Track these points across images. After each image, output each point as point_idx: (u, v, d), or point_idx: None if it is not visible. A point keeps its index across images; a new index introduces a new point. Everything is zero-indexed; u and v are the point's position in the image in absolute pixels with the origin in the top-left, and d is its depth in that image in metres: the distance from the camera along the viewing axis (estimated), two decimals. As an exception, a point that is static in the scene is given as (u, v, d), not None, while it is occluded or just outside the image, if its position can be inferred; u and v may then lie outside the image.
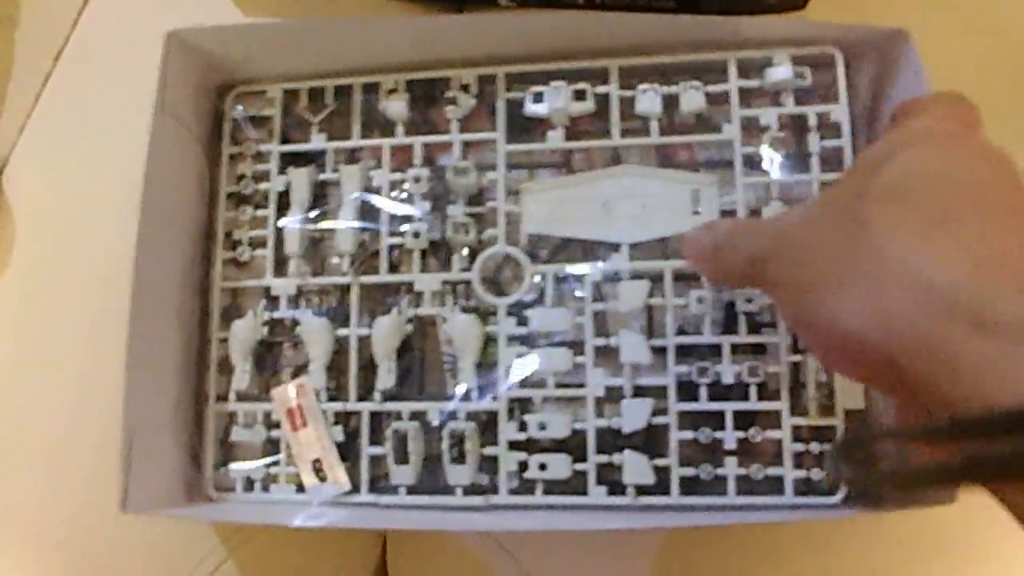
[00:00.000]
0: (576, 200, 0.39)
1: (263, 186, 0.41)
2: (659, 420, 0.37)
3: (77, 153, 0.46)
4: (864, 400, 0.36)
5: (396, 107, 0.40)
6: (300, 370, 0.40)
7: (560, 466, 0.37)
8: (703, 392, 0.37)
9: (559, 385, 0.38)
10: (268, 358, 0.41)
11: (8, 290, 0.47)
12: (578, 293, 0.38)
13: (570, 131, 0.40)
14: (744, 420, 0.37)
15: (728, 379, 0.37)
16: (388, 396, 0.39)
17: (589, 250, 0.40)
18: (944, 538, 0.39)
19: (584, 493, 0.37)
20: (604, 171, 0.39)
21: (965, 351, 0.21)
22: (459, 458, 0.37)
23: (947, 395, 0.21)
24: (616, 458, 0.37)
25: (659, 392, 0.37)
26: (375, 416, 0.39)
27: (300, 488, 0.39)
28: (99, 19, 0.50)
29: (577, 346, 0.38)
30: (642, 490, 0.37)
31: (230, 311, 0.41)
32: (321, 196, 0.41)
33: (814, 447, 0.36)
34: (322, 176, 0.41)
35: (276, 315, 0.40)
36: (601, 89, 0.39)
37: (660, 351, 0.37)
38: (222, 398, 0.40)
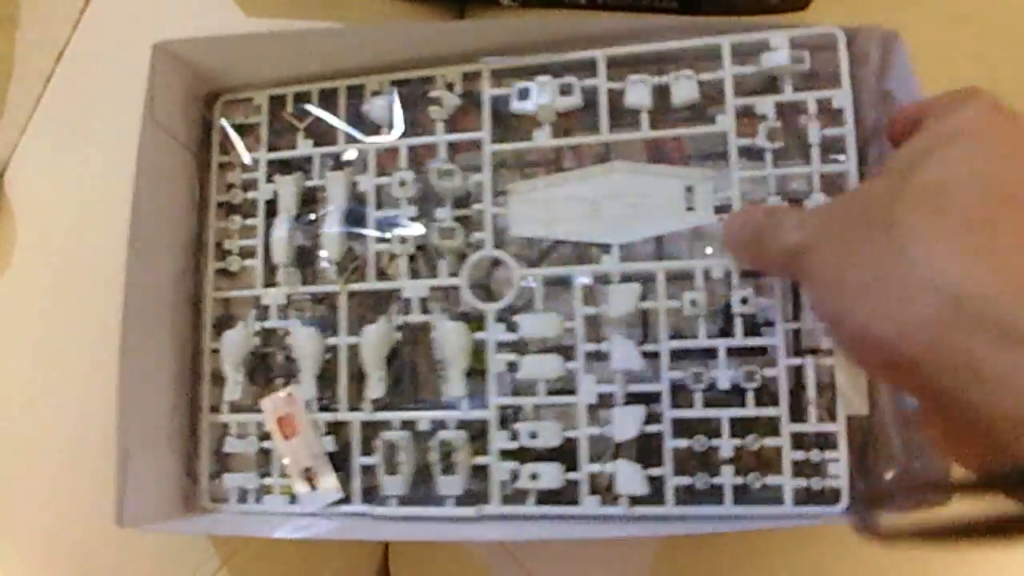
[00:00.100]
0: (564, 200, 0.38)
1: (251, 195, 0.41)
2: (653, 428, 0.36)
3: (78, 154, 0.46)
4: (868, 406, 0.34)
5: (380, 109, 0.39)
6: (292, 380, 0.40)
7: (552, 475, 0.36)
8: (698, 398, 0.36)
9: (550, 392, 0.37)
10: (261, 368, 0.41)
11: (9, 291, 0.47)
12: (569, 297, 0.37)
13: (559, 128, 0.38)
14: (741, 427, 0.35)
15: (724, 384, 0.35)
16: (380, 405, 0.39)
17: (580, 252, 0.38)
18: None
19: (577, 503, 0.36)
20: (592, 169, 0.38)
21: (990, 362, 0.21)
22: (449, 468, 0.37)
23: (971, 405, 0.22)
24: (609, 467, 0.36)
25: (653, 399, 0.36)
26: (366, 425, 0.38)
27: (293, 499, 0.39)
28: (100, 20, 0.50)
29: (568, 352, 0.37)
30: (636, 500, 0.35)
31: (222, 321, 0.41)
32: (309, 203, 0.41)
33: (815, 455, 0.34)
34: (309, 183, 0.40)
35: (267, 325, 0.40)
36: (589, 82, 0.38)
37: (654, 356, 0.36)
38: (216, 409, 0.40)
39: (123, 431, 0.36)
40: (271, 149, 0.41)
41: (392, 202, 0.39)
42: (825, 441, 0.34)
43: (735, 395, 0.35)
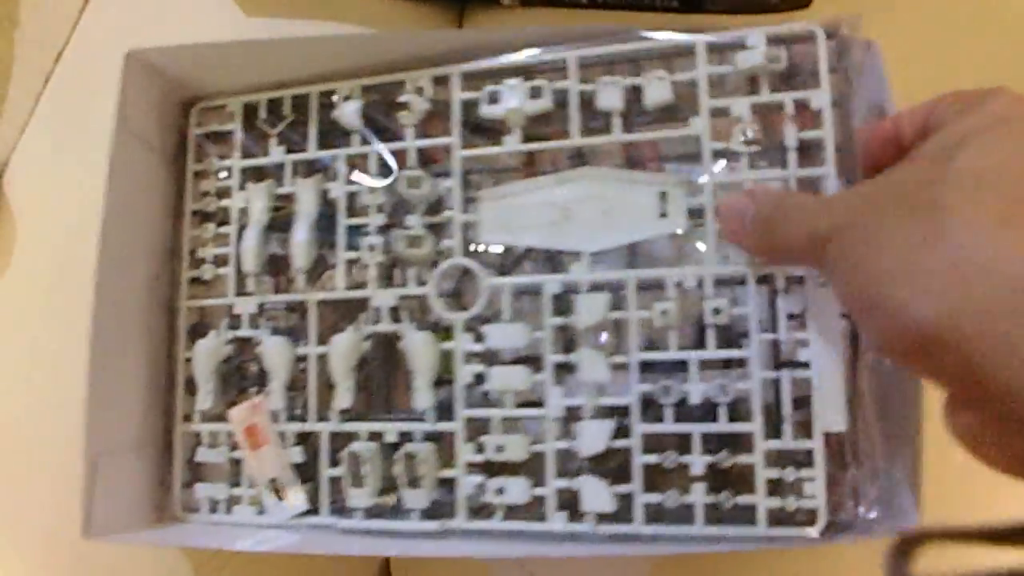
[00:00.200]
0: (534, 207, 0.37)
1: (225, 203, 0.41)
2: (621, 443, 0.34)
3: (77, 154, 0.46)
4: (847, 422, 0.32)
5: (349, 115, 0.39)
6: (263, 390, 0.39)
7: (518, 490, 0.35)
8: (668, 413, 0.34)
9: (520, 404, 0.36)
10: (234, 378, 0.40)
11: (8, 291, 0.47)
12: (539, 307, 0.36)
13: (531, 132, 0.37)
14: (713, 443, 0.34)
15: (695, 398, 0.34)
16: (349, 416, 0.38)
17: (552, 260, 0.37)
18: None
19: (544, 519, 0.35)
20: (562, 174, 0.37)
21: None
22: (415, 481, 0.36)
23: (1020, 394, 0.21)
24: (576, 483, 0.34)
25: (622, 412, 0.35)
26: (335, 436, 0.38)
27: (262, 510, 0.38)
28: (99, 20, 0.50)
29: (537, 363, 0.36)
30: (604, 518, 0.34)
31: (197, 330, 0.41)
32: (281, 211, 0.40)
33: (790, 473, 0.33)
34: (280, 190, 0.40)
35: (239, 334, 0.40)
36: (560, 84, 0.37)
37: (624, 368, 0.35)
38: (189, 418, 0.40)
39: (91, 439, 0.36)
40: (247, 156, 0.41)
41: (364, 210, 0.39)
42: (801, 459, 0.33)
43: (707, 410, 0.34)
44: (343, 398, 0.37)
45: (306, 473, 0.38)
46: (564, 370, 0.35)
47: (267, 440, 0.38)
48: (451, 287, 0.38)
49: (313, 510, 0.37)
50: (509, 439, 0.35)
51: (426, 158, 0.39)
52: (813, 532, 0.32)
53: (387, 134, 0.39)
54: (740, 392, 0.33)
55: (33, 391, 0.45)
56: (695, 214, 0.35)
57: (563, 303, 0.36)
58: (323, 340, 0.38)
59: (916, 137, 0.30)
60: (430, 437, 0.37)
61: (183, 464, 0.40)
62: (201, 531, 0.38)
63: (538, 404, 0.35)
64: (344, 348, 0.37)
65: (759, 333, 0.33)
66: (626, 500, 0.34)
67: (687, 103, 0.36)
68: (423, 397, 0.37)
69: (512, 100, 0.36)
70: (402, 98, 0.38)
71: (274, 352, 0.38)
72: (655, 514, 0.34)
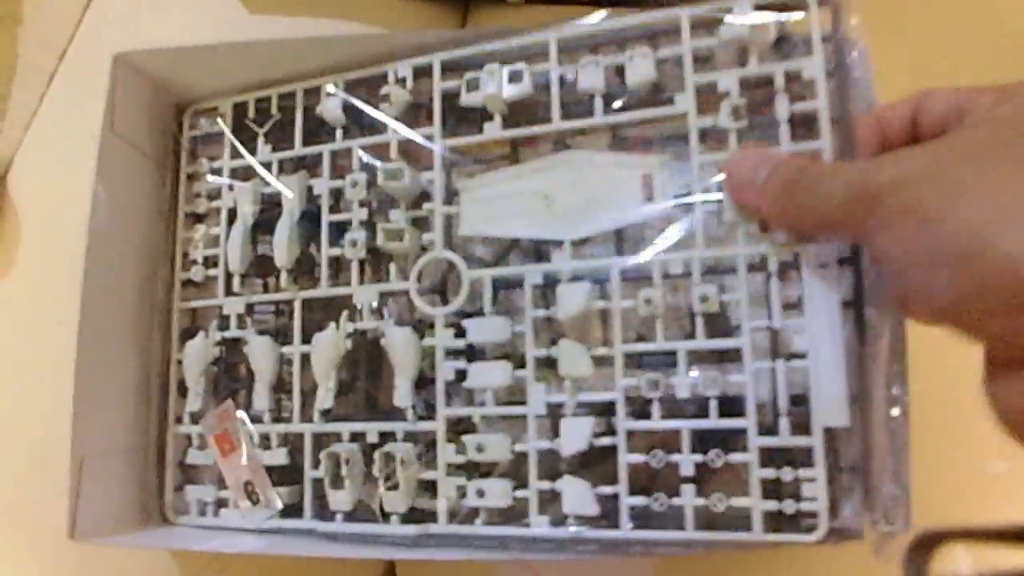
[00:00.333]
0: (515, 195, 0.35)
1: (216, 203, 0.40)
2: (605, 441, 0.32)
3: (81, 153, 0.45)
4: (849, 417, 0.29)
5: (332, 110, 0.38)
6: (251, 390, 0.38)
7: (499, 493, 0.33)
8: (655, 408, 0.32)
9: (502, 402, 0.34)
10: (223, 379, 0.40)
11: (13, 290, 0.47)
12: (521, 299, 0.34)
13: (513, 119, 0.36)
14: (704, 441, 0.31)
15: (683, 393, 0.31)
16: (334, 416, 0.37)
17: (537, 250, 0.36)
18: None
19: (527, 523, 0.33)
20: (543, 160, 0.35)
21: None
22: (394, 483, 0.34)
23: None
24: (558, 484, 0.32)
25: (606, 409, 0.32)
26: (319, 438, 0.37)
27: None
28: (102, 18, 0.50)
29: (520, 358, 0.34)
30: (589, 521, 0.32)
31: (190, 332, 0.40)
32: (269, 209, 0.40)
33: (787, 473, 0.30)
34: (266, 189, 0.39)
35: (227, 335, 0.39)
36: (539, 67, 0.35)
37: (608, 362, 0.33)
38: (180, 420, 0.40)
39: (77, 441, 0.36)
40: (236, 157, 0.40)
41: (348, 205, 0.38)
42: (799, 458, 0.30)
43: (697, 405, 0.31)
44: (324, 398, 0.36)
45: (292, 475, 0.37)
46: (547, 365, 0.34)
47: (237, 446, 0.37)
48: (435, 282, 0.37)
49: (297, 512, 0.36)
50: (490, 439, 0.34)
51: (412, 151, 0.38)
52: (812, 539, 0.29)
53: (373, 128, 0.38)
54: (732, 385, 0.31)
55: (36, 390, 0.45)
56: (683, 196, 0.33)
57: (547, 295, 0.34)
58: (306, 339, 0.37)
59: (904, 130, 0.29)
60: (411, 437, 0.35)
61: (174, 466, 0.39)
62: (192, 533, 0.38)
63: (521, 402, 0.34)
64: (325, 347, 0.37)
65: (752, 321, 0.31)
66: (611, 502, 0.32)
67: (673, 81, 0.34)
68: (404, 395, 0.35)
69: (491, 86, 0.35)
70: (384, 90, 0.37)
71: (259, 352, 0.38)
72: (642, 517, 0.31)
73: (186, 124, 0.42)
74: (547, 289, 0.34)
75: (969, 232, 0.22)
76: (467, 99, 0.36)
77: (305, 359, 0.37)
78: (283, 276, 0.38)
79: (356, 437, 0.36)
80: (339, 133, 0.38)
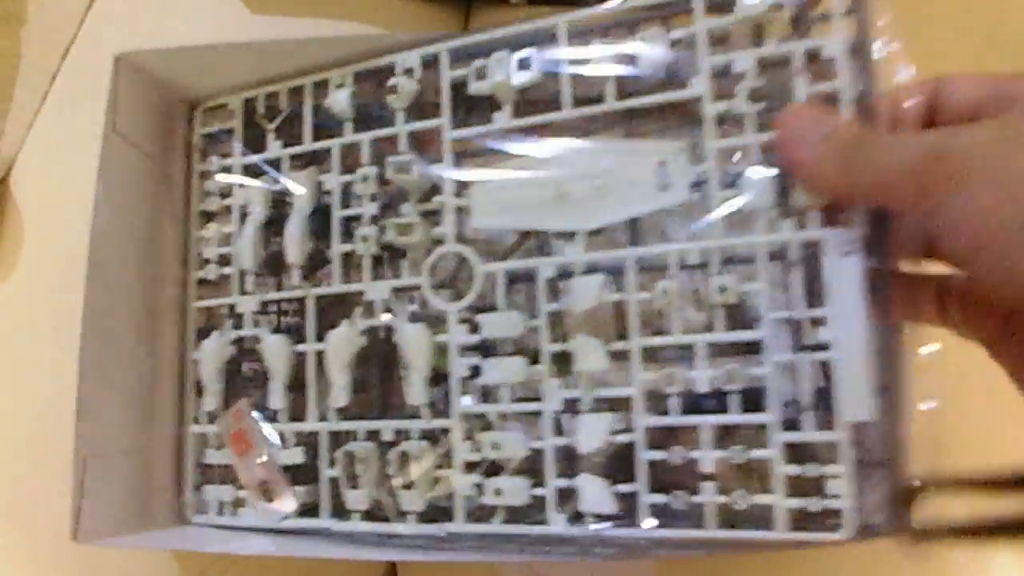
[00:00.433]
0: (526, 186, 0.34)
1: (228, 201, 0.40)
2: (623, 438, 0.31)
3: (84, 153, 0.45)
4: (874, 410, 0.28)
5: (341, 103, 0.37)
6: (266, 390, 0.38)
7: (517, 491, 0.33)
8: (674, 403, 0.31)
9: (516, 399, 0.34)
10: (238, 378, 0.39)
11: (15, 290, 0.47)
12: (535, 293, 0.34)
13: (523, 107, 0.35)
14: (725, 437, 0.30)
15: (703, 387, 0.30)
16: (348, 414, 0.36)
17: (548, 242, 0.35)
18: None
19: (545, 521, 0.32)
20: (556, 148, 0.34)
21: None
22: (410, 482, 0.34)
23: None
24: (576, 482, 0.32)
25: (623, 405, 0.32)
26: (335, 436, 0.36)
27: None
28: (105, 18, 0.50)
29: (535, 354, 0.33)
30: (608, 519, 0.31)
31: (206, 330, 0.40)
32: (280, 206, 0.39)
33: (812, 469, 0.29)
34: (277, 186, 0.39)
35: (242, 333, 0.39)
36: (549, 54, 0.34)
37: (625, 356, 0.32)
38: (197, 420, 0.39)
39: (80, 442, 0.36)
40: (247, 153, 0.40)
41: (359, 200, 0.37)
42: (824, 453, 0.29)
43: (717, 400, 0.30)
44: (339, 396, 0.36)
45: (308, 474, 0.37)
46: (563, 360, 0.33)
47: (252, 445, 0.37)
48: (447, 276, 0.36)
49: (314, 511, 0.36)
50: (506, 436, 0.33)
51: (420, 144, 0.37)
52: (839, 537, 0.28)
53: (381, 121, 0.37)
54: (753, 379, 0.30)
55: (40, 389, 0.45)
56: (699, 184, 0.32)
57: (557, 288, 0.33)
58: (320, 337, 0.37)
59: (919, 115, 0.28)
60: (426, 435, 0.35)
61: (192, 466, 0.39)
62: (198, 534, 0.38)
63: (537, 398, 0.33)
64: (339, 344, 0.36)
65: (772, 312, 0.30)
66: (629, 501, 0.31)
67: (687, 64, 0.32)
68: (418, 393, 0.35)
69: (499, 73, 0.34)
70: (391, 81, 0.36)
71: (274, 351, 0.37)
72: (662, 515, 0.31)
73: (197, 122, 0.41)
74: (560, 282, 0.33)
75: None
76: (476, 88, 0.35)
77: (319, 357, 0.37)
78: (295, 273, 0.37)
79: (372, 435, 0.36)
80: (348, 127, 0.38)
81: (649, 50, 0.32)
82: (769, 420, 0.29)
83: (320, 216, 0.38)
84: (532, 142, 0.34)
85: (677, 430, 0.31)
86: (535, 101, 0.35)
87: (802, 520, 0.29)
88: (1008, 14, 0.39)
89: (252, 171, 0.40)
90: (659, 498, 0.30)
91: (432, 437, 0.35)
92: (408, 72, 0.37)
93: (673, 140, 0.33)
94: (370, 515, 0.35)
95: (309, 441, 0.37)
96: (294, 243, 0.37)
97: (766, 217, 0.30)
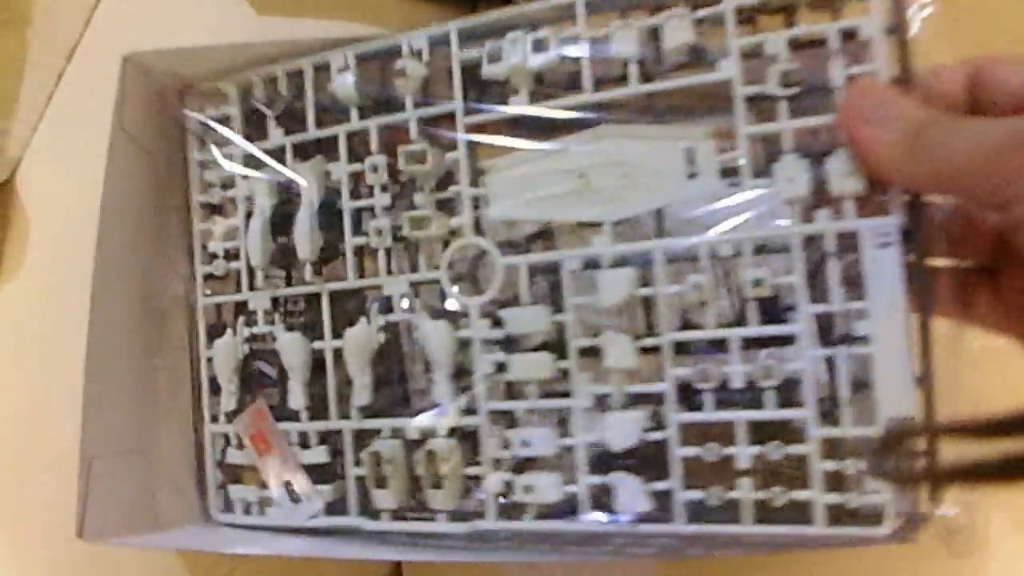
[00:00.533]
0: (548, 174, 0.33)
1: (230, 192, 0.39)
2: (656, 435, 0.31)
3: (90, 152, 0.45)
4: (915, 404, 0.28)
5: (345, 87, 0.35)
6: (284, 388, 0.37)
7: (548, 488, 0.32)
8: (708, 399, 0.30)
9: (543, 395, 0.33)
10: (254, 377, 0.39)
11: (22, 290, 0.47)
12: (559, 286, 0.33)
13: (540, 91, 0.33)
14: (760, 432, 0.30)
15: (738, 382, 0.30)
16: (370, 412, 0.36)
17: (572, 233, 0.33)
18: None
19: (577, 518, 0.32)
20: (576, 136, 0.32)
21: None
22: (438, 480, 0.34)
23: None
24: (609, 479, 0.31)
25: (656, 400, 0.31)
26: (358, 434, 0.36)
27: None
28: (111, 18, 0.49)
29: (561, 349, 0.32)
30: (642, 516, 0.31)
31: (217, 328, 0.39)
32: (286, 197, 0.38)
33: (850, 465, 0.28)
34: (281, 177, 0.37)
35: (255, 331, 0.38)
36: (568, 34, 0.32)
37: (655, 351, 0.31)
38: (216, 419, 0.39)
39: (86, 441, 0.36)
40: (249, 141, 0.38)
41: (369, 191, 0.36)
42: (862, 448, 0.29)
43: (752, 395, 0.30)
44: (360, 395, 0.35)
45: (333, 473, 0.36)
46: (591, 355, 0.32)
47: (274, 445, 0.36)
48: (465, 269, 0.35)
49: (341, 510, 0.36)
50: (536, 433, 0.32)
51: (433, 129, 0.35)
52: (881, 532, 0.28)
53: (388, 106, 0.36)
54: (789, 374, 0.29)
55: (45, 389, 0.45)
56: (729, 171, 0.30)
57: (586, 281, 0.32)
58: (339, 333, 0.36)
59: (957, 98, 0.27)
60: (452, 433, 0.34)
61: (214, 466, 0.39)
62: (220, 535, 0.38)
63: (565, 394, 0.32)
64: (357, 341, 0.35)
65: (809, 305, 0.29)
66: (664, 498, 0.31)
67: (714, 45, 0.31)
68: (443, 390, 0.34)
69: (515, 55, 0.33)
70: (398, 64, 0.35)
71: (290, 349, 0.36)
72: (697, 513, 0.30)
73: (191, 108, 0.39)
74: (585, 274, 0.32)
75: None
76: (489, 71, 0.33)
77: (337, 354, 0.36)
78: (307, 269, 0.36)
79: (396, 433, 0.35)
80: (354, 113, 0.36)
81: (673, 29, 0.31)
82: (806, 415, 0.29)
83: (329, 208, 0.36)
84: (551, 128, 0.33)
85: (706, 426, 0.31)
86: (552, 84, 0.33)
87: (841, 516, 0.29)
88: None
89: (253, 161, 0.38)
90: (694, 495, 0.30)
91: (458, 435, 0.34)
92: (416, 54, 0.35)
93: (700, 125, 0.31)
94: (399, 513, 0.35)
95: (331, 440, 0.36)
96: (304, 237, 0.36)
97: (801, 206, 0.29)
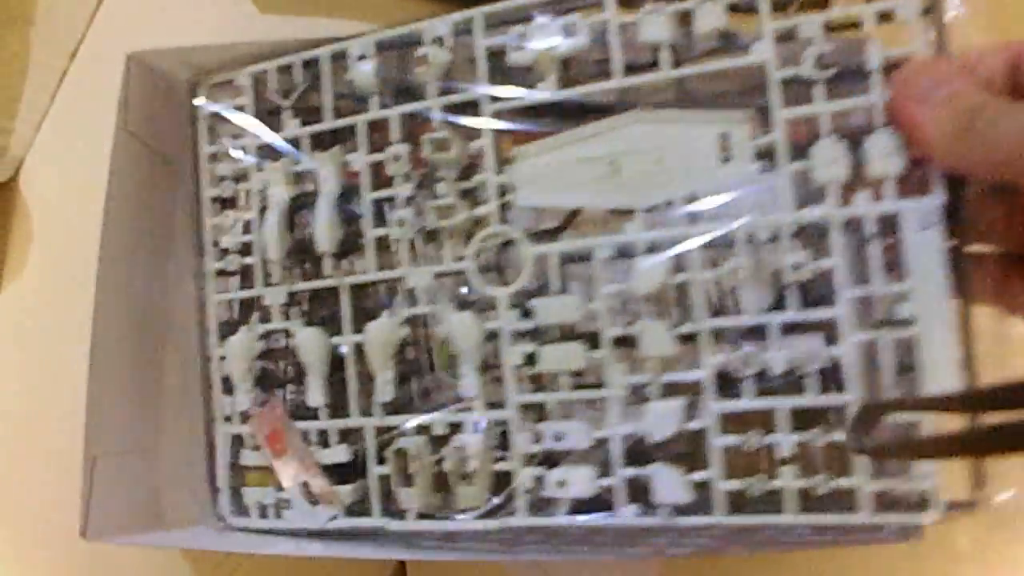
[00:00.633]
0: (576, 161, 0.32)
1: (243, 186, 0.38)
2: (695, 424, 0.30)
3: (93, 152, 0.44)
4: (961, 384, 0.27)
5: (365, 75, 0.35)
6: (301, 385, 0.36)
7: (582, 482, 0.31)
8: (748, 387, 0.30)
9: (576, 387, 0.32)
10: (270, 374, 0.37)
11: (25, 289, 0.47)
12: (590, 275, 0.32)
13: (568, 77, 0.33)
14: (802, 419, 0.29)
15: (779, 368, 0.29)
16: (392, 408, 0.35)
17: (602, 221, 0.33)
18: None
19: (612, 512, 0.31)
20: (608, 122, 0.32)
21: None
22: (467, 477, 0.33)
23: None
24: (646, 471, 0.31)
25: (694, 389, 0.30)
26: (381, 432, 0.35)
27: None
28: (114, 18, 0.49)
29: (593, 339, 0.32)
30: (680, 509, 0.30)
31: (230, 325, 0.38)
32: (303, 190, 0.37)
33: (895, 450, 0.28)
34: (298, 168, 0.36)
35: (271, 327, 0.37)
36: (597, 18, 0.32)
37: (692, 339, 0.30)
38: (229, 419, 0.37)
39: (90, 439, 0.35)
40: (265, 132, 0.37)
41: (390, 181, 0.35)
42: (908, 432, 0.28)
43: (793, 381, 0.29)
44: (383, 391, 0.34)
45: (353, 472, 0.35)
46: (625, 345, 0.31)
47: (289, 444, 0.35)
48: (491, 259, 0.34)
49: (363, 511, 0.35)
50: (569, 426, 0.32)
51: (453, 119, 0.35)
52: (928, 519, 0.28)
53: (408, 95, 0.35)
54: (831, 359, 0.29)
55: (49, 388, 0.45)
56: (764, 155, 0.30)
57: (618, 268, 0.32)
58: (358, 328, 0.35)
59: (997, 82, 0.27)
60: (479, 428, 0.33)
61: (226, 468, 0.37)
62: (236, 537, 0.36)
63: (598, 385, 0.32)
64: (380, 336, 0.34)
65: (850, 288, 0.29)
66: (703, 489, 0.30)
67: (747, 28, 0.31)
68: (470, 384, 0.33)
69: (543, 41, 0.32)
70: (420, 51, 0.34)
71: (308, 346, 0.35)
72: (738, 503, 0.30)
73: (201, 99, 0.38)
74: (615, 262, 0.32)
75: None
76: (515, 58, 0.33)
77: (357, 349, 0.35)
78: (327, 261, 0.35)
79: (421, 429, 0.34)
80: (374, 102, 0.35)
81: (705, 13, 0.30)
82: (850, 400, 0.29)
83: (347, 199, 0.35)
84: (579, 115, 0.33)
85: (743, 414, 0.30)
86: (580, 71, 0.33)
87: (886, 503, 0.28)
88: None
89: (267, 152, 0.37)
90: (735, 484, 0.30)
91: (487, 429, 0.33)
92: (438, 41, 0.34)
93: (733, 110, 0.31)
94: (425, 513, 0.34)
95: (352, 438, 0.35)
96: (324, 230, 0.35)
97: (839, 189, 0.29)
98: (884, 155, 0.28)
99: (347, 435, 0.35)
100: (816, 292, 0.30)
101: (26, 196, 0.48)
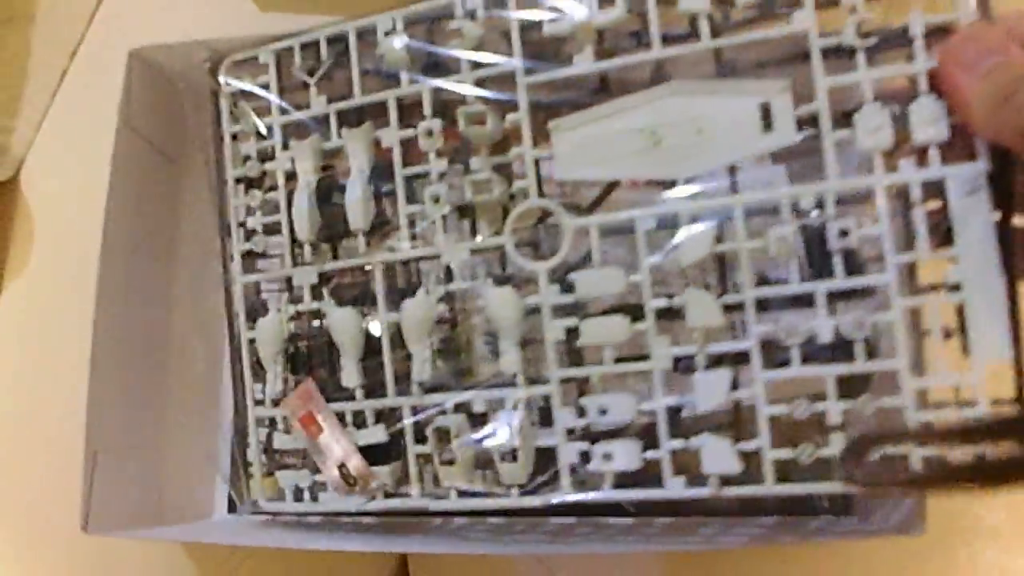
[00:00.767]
0: (616, 133, 0.32)
1: (269, 166, 0.37)
2: (742, 394, 0.30)
3: (94, 150, 0.44)
4: (1011, 348, 0.28)
5: (395, 51, 0.34)
6: (336, 367, 0.36)
7: (628, 455, 0.31)
8: (795, 355, 0.30)
9: (619, 360, 0.32)
10: (302, 356, 0.37)
11: (28, 287, 0.47)
12: (631, 247, 0.32)
13: (604, 49, 0.32)
14: (851, 387, 0.29)
15: (826, 336, 0.29)
16: (429, 388, 0.34)
17: (641, 193, 0.33)
18: None
19: (660, 485, 0.31)
20: (646, 93, 0.32)
21: None
22: (510, 453, 0.32)
23: None
24: (694, 442, 0.31)
25: (741, 359, 0.30)
26: (417, 411, 0.34)
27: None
28: (114, 16, 0.49)
29: (636, 311, 0.32)
30: (727, 480, 0.30)
31: (258, 308, 0.37)
32: (330, 168, 0.36)
33: (948, 413, 0.28)
34: (327, 145, 0.36)
35: (301, 308, 0.36)
36: (632, -12, 0.32)
37: (738, 308, 0.30)
38: (261, 403, 0.37)
39: (91, 435, 0.35)
40: (286, 111, 0.37)
41: (423, 157, 0.35)
42: (958, 396, 0.28)
43: (841, 349, 0.30)
44: (421, 369, 0.34)
45: (390, 453, 0.35)
46: (668, 316, 0.31)
47: (324, 426, 0.35)
48: (528, 234, 0.34)
49: (404, 492, 0.34)
50: (614, 399, 0.31)
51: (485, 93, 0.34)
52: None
53: (436, 70, 0.35)
54: (878, 326, 0.29)
55: (51, 385, 0.45)
56: (807, 122, 0.30)
57: (660, 239, 0.32)
58: (392, 307, 0.35)
59: None
60: (521, 404, 0.33)
61: (258, 451, 0.37)
62: (268, 530, 0.36)
63: (642, 358, 0.31)
64: (417, 314, 0.34)
65: (896, 255, 0.29)
66: (752, 458, 0.30)
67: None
68: (510, 360, 0.33)
69: (579, 11, 0.32)
70: (452, 25, 0.33)
71: (342, 327, 0.35)
72: (787, 472, 0.30)
73: (223, 77, 0.38)
74: (656, 234, 0.32)
75: None
76: (551, 29, 0.32)
77: (392, 328, 0.34)
78: (360, 239, 0.35)
79: (459, 407, 0.34)
80: (404, 77, 0.35)
81: (745, -19, 0.30)
82: (899, 366, 0.29)
83: (379, 176, 0.35)
84: (617, 87, 0.32)
85: (786, 383, 0.30)
86: (615, 43, 0.32)
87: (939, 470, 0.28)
88: None
89: (293, 130, 0.37)
90: (784, 453, 0.30)
91: (528, 405, 0.33)
92: (470, 14, 0.34)
93: (773, 79, 0.31)
94: (467, 492, 0.33)
95: (388, 418, 0.35)
96: (357, 207, 0.34)
97: (883, 156, 0.29)
98: (928, 122, 0.28)
99: (381, 415, 0.35)
100: (862, 259, 0.30)
101: (27, 195, 0.48)
